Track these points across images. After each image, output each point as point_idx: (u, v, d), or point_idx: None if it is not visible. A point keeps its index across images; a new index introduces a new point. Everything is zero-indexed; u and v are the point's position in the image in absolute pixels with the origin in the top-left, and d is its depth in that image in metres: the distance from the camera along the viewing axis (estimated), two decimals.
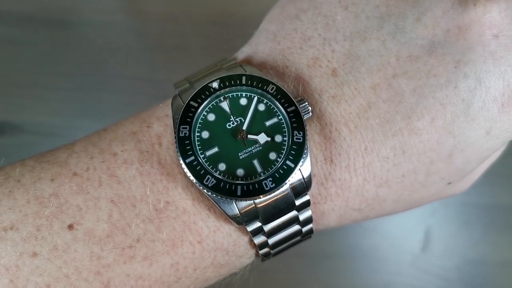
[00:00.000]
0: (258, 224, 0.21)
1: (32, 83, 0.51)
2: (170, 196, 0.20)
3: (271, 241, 0.22)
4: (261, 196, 0.20)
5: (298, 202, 0.21)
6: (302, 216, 0.21)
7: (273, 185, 0.20)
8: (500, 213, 0.45)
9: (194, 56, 0.53)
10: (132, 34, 0.54)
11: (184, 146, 0.20)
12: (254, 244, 0.22)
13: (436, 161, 0.21)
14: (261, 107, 0.21)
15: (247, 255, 0.22)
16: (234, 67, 0.22)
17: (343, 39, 0.21)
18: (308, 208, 0.21)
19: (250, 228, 0.21)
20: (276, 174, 0.20)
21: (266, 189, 0.20)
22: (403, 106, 0.20)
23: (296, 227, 0.22)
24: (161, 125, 0.21)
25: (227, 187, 0.20)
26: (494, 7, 0.20)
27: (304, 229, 0.22)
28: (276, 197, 0.20)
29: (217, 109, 0.21)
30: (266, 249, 0.22)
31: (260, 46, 0.23)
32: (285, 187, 0.20)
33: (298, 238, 0.23)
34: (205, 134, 0.21)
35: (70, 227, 0.19)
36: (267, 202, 0.20)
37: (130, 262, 0.19)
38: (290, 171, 0.20)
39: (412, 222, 0.45)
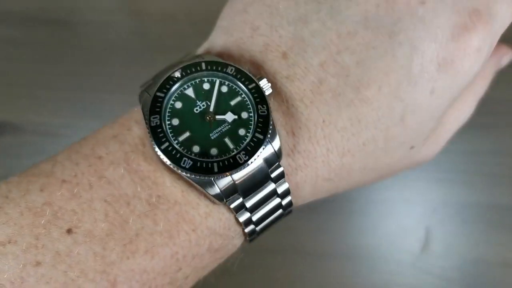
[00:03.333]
0: (239, 199, 0.22)
1: (32, 83, 0.52)
2: (160, 190, 0.21)
3: (254, 217, 0.23)
4: (237, 170, 0.21)
5: (273, 174, 0.22)
6: (280, 189, 0.23)
7: (246, 157, 0.21)
8: (500, 213, 0.45)
9: None
10: (132, 34, 0.54)
11: (157, 134, 0.21)
12: (240, 223, 0.23)
13: (391, 126, 0.22)
14: (224, 89, 0.23)
15: (237, 236, 0.23)
16: (194, 58, 0.23)
17: (288, 24, 0.23)
18: (283, 179, 0.22)
19: (233, 205, 0.22)
20: (247, 147, 0.21)
21: (241, 162, 0.21)
22: (351, 79, 0.22)
23: (276, 201, 0.23)
24: (141, 127, 0.22)
25: (204, 166, 0.21)
26: None
27: (284, 202, 0.23)
28: (252, 171, 0.22)
29: (183, 97, 0.22)
30: (251, 227, 0.23)
31: (216, 40, 0.25)
32: (259, 160, 0.22)
33: (280, 211, 0.24)
34: (175, 121, 0.22)
35: (69, 231, 0.19)
36: (244, 176, 0.22)
37: (133, 257, 0.20)
38: (260, 142, 0.21)
39: (412, 222, 0.45)
